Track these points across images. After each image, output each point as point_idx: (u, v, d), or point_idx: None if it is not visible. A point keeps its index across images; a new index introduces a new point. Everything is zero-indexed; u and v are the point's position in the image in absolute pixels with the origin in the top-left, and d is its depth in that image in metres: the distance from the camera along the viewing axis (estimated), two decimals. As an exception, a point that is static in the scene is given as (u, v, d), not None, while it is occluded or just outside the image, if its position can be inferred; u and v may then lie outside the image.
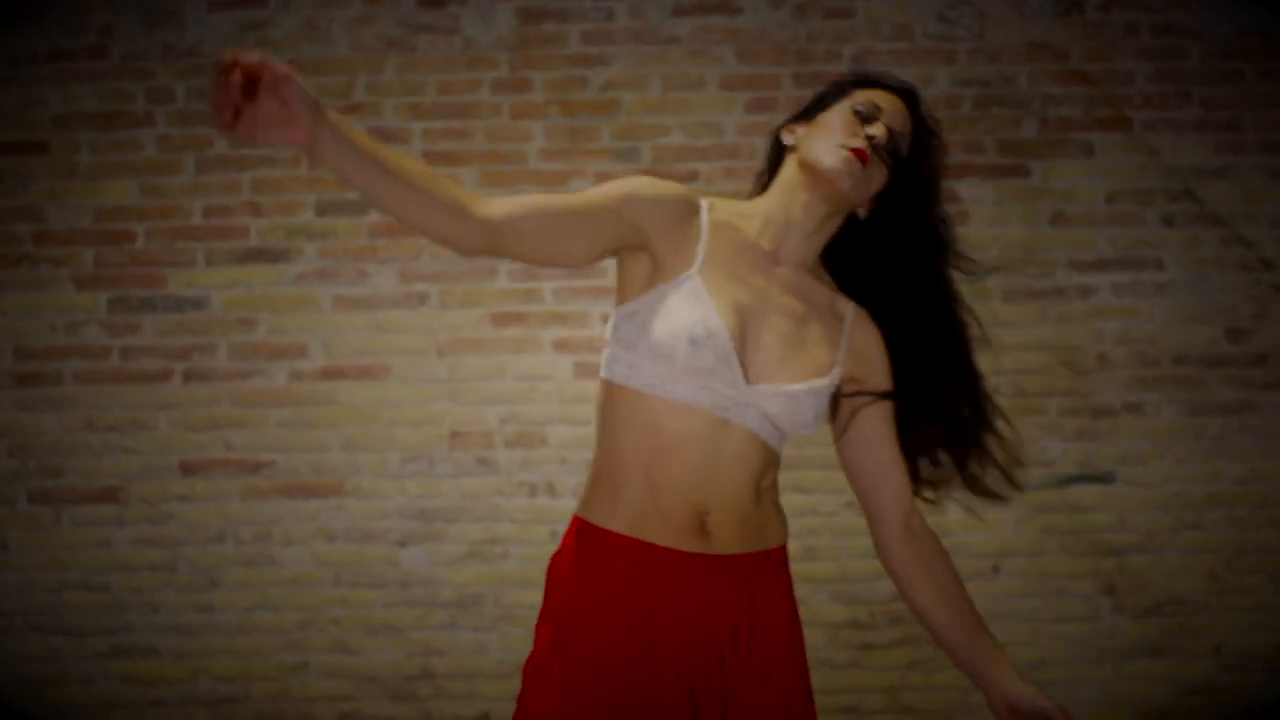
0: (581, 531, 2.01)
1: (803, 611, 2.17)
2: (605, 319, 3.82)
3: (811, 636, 3.84)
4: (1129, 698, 3.87)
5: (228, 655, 3.88)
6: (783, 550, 2.08)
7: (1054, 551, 3.86)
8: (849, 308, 2.08)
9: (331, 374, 3.87)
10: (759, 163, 2.15)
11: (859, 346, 2.06)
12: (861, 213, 2.07)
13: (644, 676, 1.94)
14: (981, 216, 3.86)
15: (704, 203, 2.01)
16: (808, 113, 2.09)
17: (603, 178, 3.79)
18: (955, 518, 3.84)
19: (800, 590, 3.67)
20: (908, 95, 2.08)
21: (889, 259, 2.10)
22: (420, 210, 1.76)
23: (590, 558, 1.99)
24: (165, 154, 3.86)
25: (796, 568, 2.20)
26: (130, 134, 3.86)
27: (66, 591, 3.87)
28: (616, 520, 1.97)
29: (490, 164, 3.86)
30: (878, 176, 2.01)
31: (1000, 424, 2.11)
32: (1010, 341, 3.86)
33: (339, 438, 3.87)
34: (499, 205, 1.84)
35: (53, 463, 3.87)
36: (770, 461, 2.02)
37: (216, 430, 3.87)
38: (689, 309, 1.92)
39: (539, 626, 2.02)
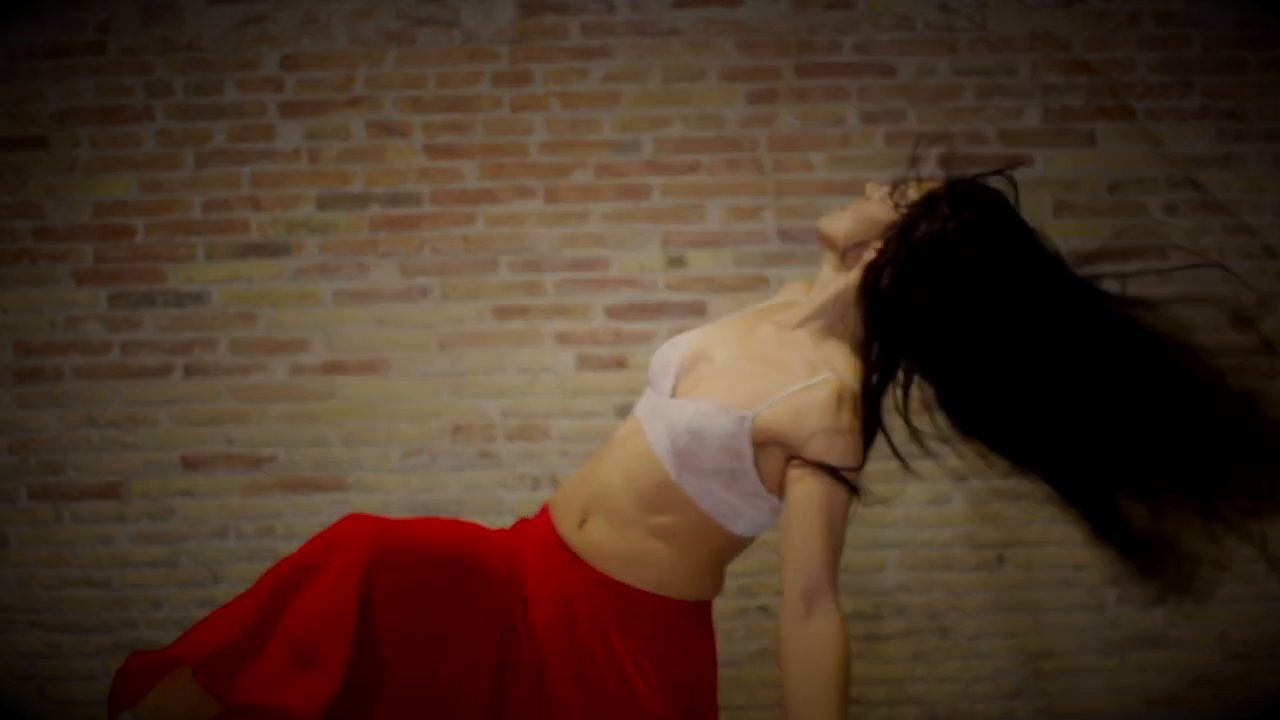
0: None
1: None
2: (608, 311, 3.82)
3: (815, 629, 3.84)
4: (1134, 688, 3.86)
5: (230, 650, 3.87)
6: (652, 600, 2.01)
7: (1058, 541, 3.84)
8: (826, 372, 2.00)
9: (332, 368, 3.86)
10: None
11: (800, 404, 1.96)
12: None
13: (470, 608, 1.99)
14: (984, 206, 3.84)
15: None
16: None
17: (604, 170, 3.80)
18: (959, 510, 3.84)
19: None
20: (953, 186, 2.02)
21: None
22: None
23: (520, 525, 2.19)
24: (164, 149, 3.85)
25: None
26: (129, 129, 3.85)
27: (67, 588, 3.87)
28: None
29: (491, 156, 3.84)
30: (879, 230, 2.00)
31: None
32: (1013, 332, 3.85)
33: (340, 432, 3.86)
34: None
35: (53, 459, 3.86)
36: (662, 492, 1.98)
37: (217, 425, 3.86)
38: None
39: None
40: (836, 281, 2.03)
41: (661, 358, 2.03)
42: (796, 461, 1.95)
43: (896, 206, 1.98)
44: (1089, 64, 3.84)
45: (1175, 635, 3.85)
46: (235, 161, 3.85)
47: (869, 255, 1.99)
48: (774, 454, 1.97)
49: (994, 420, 1.97)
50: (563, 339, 3.84)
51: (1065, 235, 3.83)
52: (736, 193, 3.83)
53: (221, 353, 3.86)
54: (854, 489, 1.96)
